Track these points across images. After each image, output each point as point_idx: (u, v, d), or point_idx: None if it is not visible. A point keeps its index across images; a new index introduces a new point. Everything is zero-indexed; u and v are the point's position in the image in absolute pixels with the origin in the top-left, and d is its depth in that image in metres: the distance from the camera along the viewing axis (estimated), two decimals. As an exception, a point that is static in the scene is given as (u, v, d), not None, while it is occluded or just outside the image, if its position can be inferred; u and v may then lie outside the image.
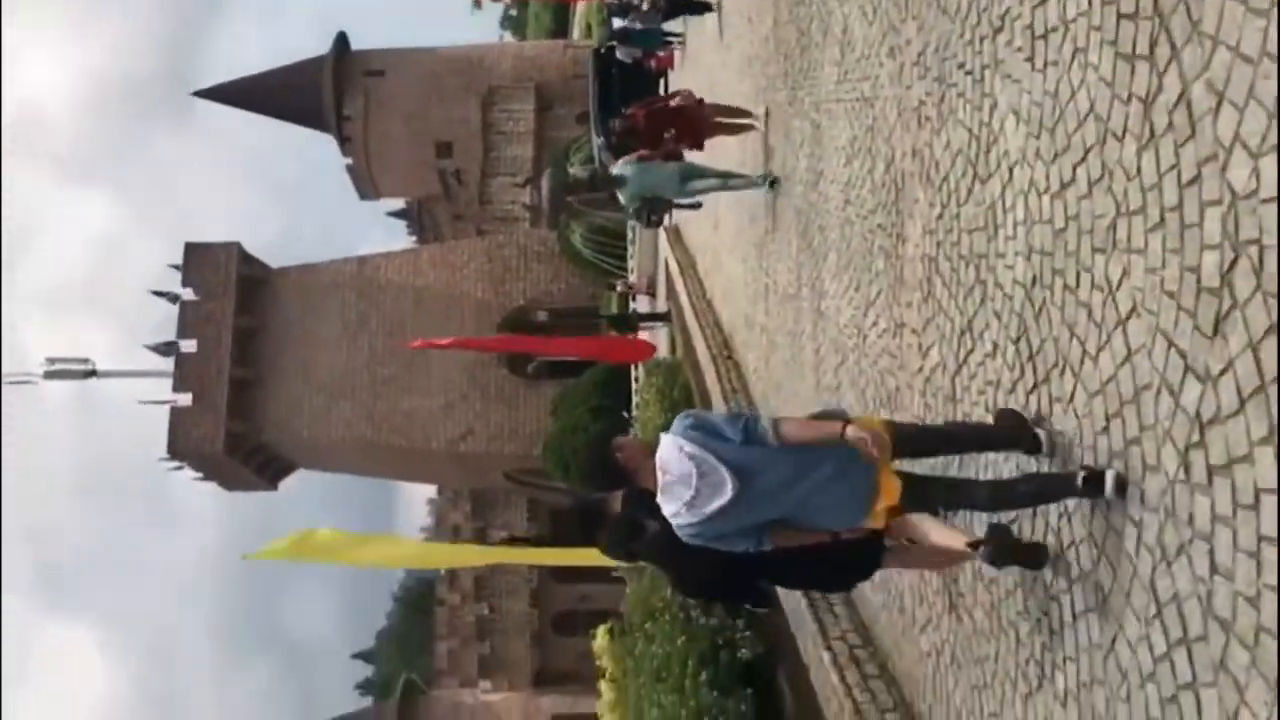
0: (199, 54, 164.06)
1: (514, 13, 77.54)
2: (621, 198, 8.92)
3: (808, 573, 4.21)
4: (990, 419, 3.63)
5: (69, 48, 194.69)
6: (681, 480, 3.46)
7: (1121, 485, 2.88)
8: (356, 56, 41.30)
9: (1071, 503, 3.19)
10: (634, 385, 24.60)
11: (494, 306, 33.49)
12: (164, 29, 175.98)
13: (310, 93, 40.30)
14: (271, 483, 38.63)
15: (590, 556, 7.89)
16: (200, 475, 35.29)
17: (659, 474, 3.53)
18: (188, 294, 32.94)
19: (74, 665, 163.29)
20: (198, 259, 33.33)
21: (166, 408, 32.08)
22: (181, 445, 32.40)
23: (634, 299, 25.38)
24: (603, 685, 24.39)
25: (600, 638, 22.91)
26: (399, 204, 52.35)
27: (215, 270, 33.33)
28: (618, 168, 8.92)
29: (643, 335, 21.46)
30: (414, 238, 52.39)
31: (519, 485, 35.59)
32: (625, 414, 23.46)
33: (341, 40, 41.24)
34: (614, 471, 3.65)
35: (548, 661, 37.05)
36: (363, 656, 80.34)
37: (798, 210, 6.99)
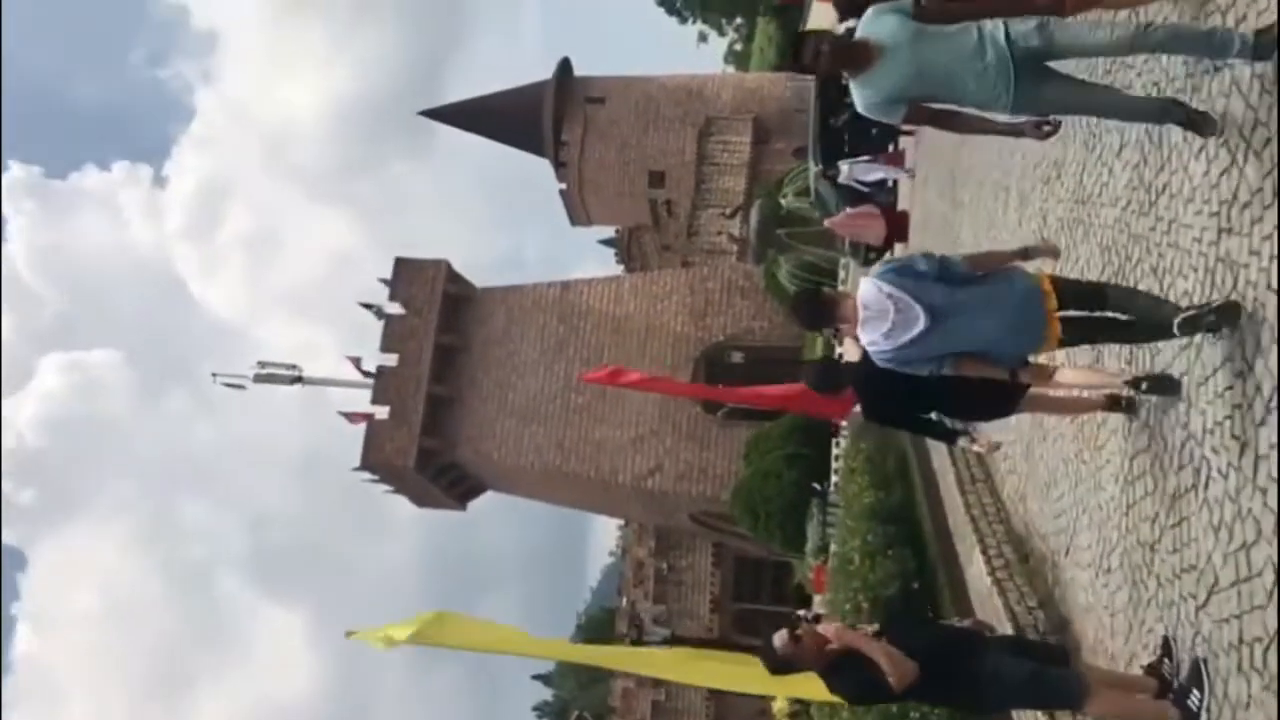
0: (441, 81, 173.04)
1: (739, 48, 76.84)
2: (868, 96, 3.98)
3: (966, 405, 4.80)
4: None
5: (321, 74, 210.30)
6: (879, 315, 4.02)
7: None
8: (578, 82, 41.22)
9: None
10: (834, 445, 22.47)
11: (693, 340, 32.21)
12: (410, 57, 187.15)
13: (531, 117, 40.49)
14: (460, 502, 38.59)
15: (755, 680, 6.26)
16: (391, 489, 35.54)
17: (859, 309, 4.08)
18: (394, 308, 33.25)
19: (284, 650, 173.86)
20: (406, 274, 33.65)
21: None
22: (375, 457, 32.62)
23: (841, 344, 23.24)
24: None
25: (780, 701, 21.00)
26: (609, 232, 52.14)
27: (423, 286, 33.56)
28: (866, 22, 3.96)
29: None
30: (622, 267, 52.04)
31: (706, 528, 34.15)
32: (817, 485, 21.32)
33: (565, 66, 41.24)
34: (820, 305, 4.36)
35: (723, 717, 35.31)
36: (542, 679, 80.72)
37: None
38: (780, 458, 25.66)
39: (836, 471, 19.39)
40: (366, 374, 32.60)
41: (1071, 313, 4.05)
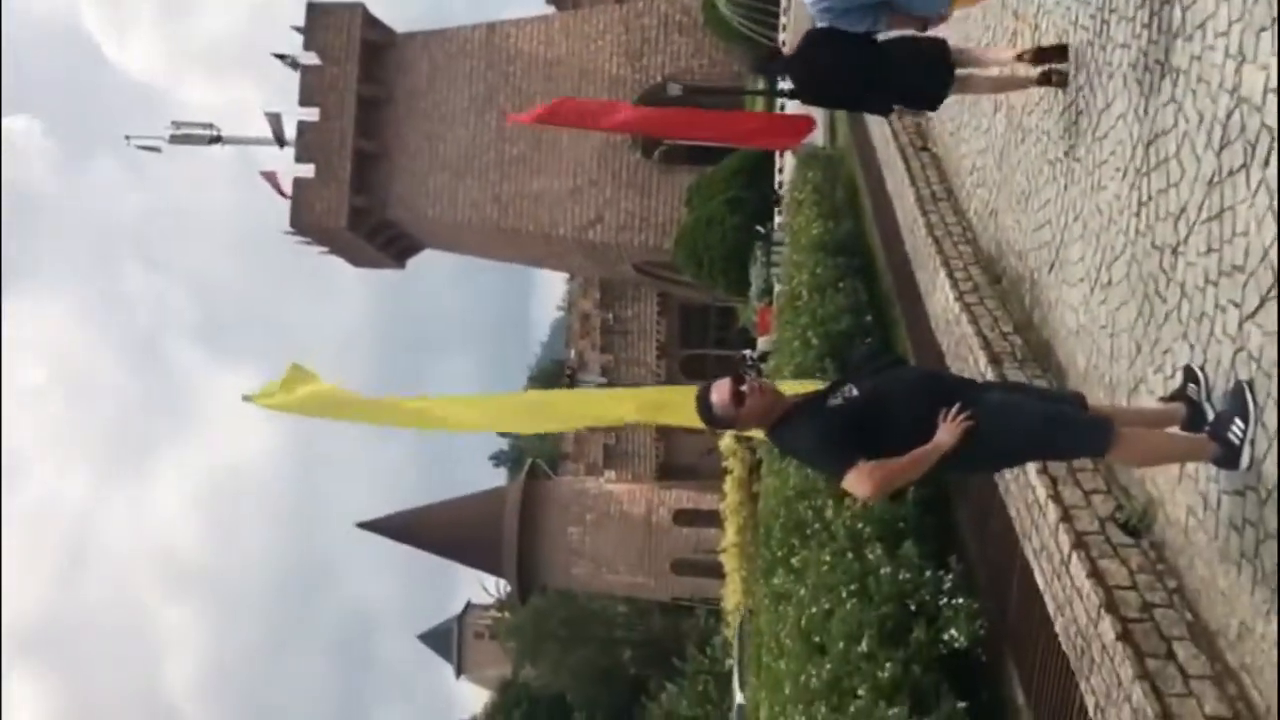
0: None
1: None
2: None
3: (904, 84, 4.96)
4: None
5: None
6: None
7: None
8: None
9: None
10: (778, 178, 21.56)
11: (629, 82, 30.50)
12: None
13: None
14: (398, 261, 37.82)
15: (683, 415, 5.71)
16: (325, 250, 34.54)
17: None
18: (310, 59, 31.03)
19: (237, 415, 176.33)
20: (320, 21, 31.26)
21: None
22: (305, 218, 31.45)
23: (784, 78, 21.83)
24: (727, 485, 23.16)
25: (727, 437, 21.34)
26: (537, -34, 48.34)
27: (338, 33, 31.30)
28: None
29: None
30: (552, 6, 48.73)
31: (649, 278, 33.83)
32: (761, 228, 20.58)
33: None
34: None
35: (672, 457, 36.45)
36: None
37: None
38: (722, 203, 24.89)
39: (780, 212, 18.64)
40: (282, 141, 30.74)
41: None
